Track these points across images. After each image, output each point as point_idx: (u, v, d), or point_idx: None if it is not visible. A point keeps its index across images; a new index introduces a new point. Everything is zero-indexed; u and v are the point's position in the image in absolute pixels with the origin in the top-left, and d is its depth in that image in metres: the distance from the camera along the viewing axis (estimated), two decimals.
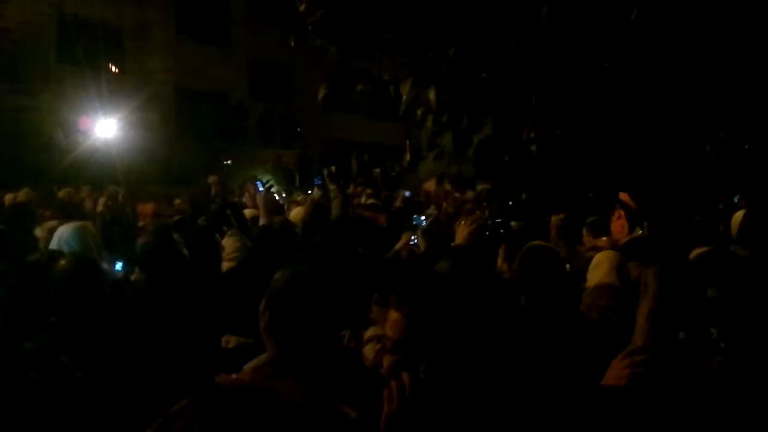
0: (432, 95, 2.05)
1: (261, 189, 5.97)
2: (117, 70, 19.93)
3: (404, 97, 2.19)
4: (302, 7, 2.66)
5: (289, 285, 2.07)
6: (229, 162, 17.34)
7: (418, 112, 2.33)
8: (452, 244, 3.85)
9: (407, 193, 9.59)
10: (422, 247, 4.61)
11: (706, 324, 2.71)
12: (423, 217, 5.37)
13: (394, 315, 1.87)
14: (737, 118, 2.24)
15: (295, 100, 23.29)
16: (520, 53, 1.88)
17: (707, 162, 2.29)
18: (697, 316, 2.74)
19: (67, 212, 7.22)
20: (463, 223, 3.92)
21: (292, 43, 2.70)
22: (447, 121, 2.10)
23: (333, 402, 1.12)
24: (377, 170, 15.98)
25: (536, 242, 3.28)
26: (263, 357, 2.08)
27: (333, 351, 2.17)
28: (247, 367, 2.10)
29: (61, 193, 9.77)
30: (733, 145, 2.30)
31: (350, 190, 11.56)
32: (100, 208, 7.80)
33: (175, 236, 4.15)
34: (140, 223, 6.89)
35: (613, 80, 2.10)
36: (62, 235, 4.41)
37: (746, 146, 2.31)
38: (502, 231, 4.62)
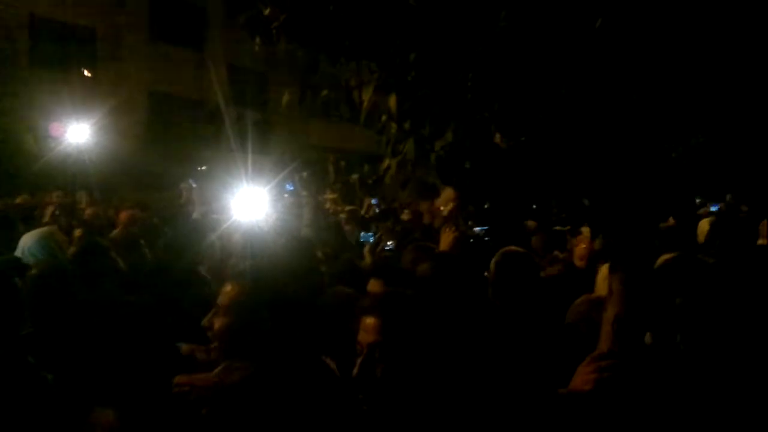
0: (392, 102, 2.04)
1: (194, 185, 6.38)
2: (90, 75, 19.71)
3: (365, 104, 2.18)
4: (267, 11, 2.64)
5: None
6: (203, 168, 17.21)
7: (383, 118, 2.32)
8: (436, 251, 3.89)
9: (374, 201, 9.58)
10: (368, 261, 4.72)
11: (673, 330, 2.72)
12: (370, 234, 5.47)
13: (367, 320, 1.86)
14: (711, 122, 2.24)
15: (270, 107, 23.21)
16: (480, 59, 1.87)
17: (673, 166, 2.29)
18: (664, 322, 2.74)
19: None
20: (447, 230, 3.97)
21: (257, 48, 2.67)
22: (409, 127, 2.08)
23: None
24: (354, 177, 15.96)
25: (510, 248, 3.30)
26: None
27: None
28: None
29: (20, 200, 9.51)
30: (703, 149, 2.31)
31: (328, 196, 11.55)
32: (46, 219, 7.61)
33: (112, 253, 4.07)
34: (114, 232, 6.82)
35: (576, 85, 2.09)
36: (26, 246, 4.29)
37: (719, 152, 2.31)
38: (487, 239, 4.64)
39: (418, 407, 1.81)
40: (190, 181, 6.55)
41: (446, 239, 3.92)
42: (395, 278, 3.35)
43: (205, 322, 2.35)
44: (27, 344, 2.87)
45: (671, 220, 4.53)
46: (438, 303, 2.04)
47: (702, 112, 2.15)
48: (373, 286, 3.25)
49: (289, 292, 2.77)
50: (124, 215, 6.93)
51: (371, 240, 5.51)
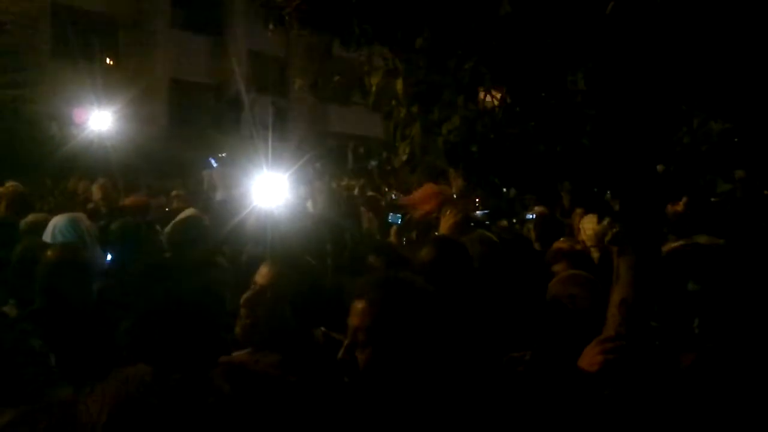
0: (399, 86, 2.06)
1: (215, 165, 6.33)
2: (112, 62, 19.89)
3: (373, 88, 2.20)
4: None
5: None
6: (223, 155, 17.33)
7: (393, 103, 2.34)
8: (435, 234, 3.89)
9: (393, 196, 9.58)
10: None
11: (686, 316, 2.72)
12: (399, 216, 5.47)
13: (357, 303, 1.86)
14: (726, 105, 2.22)
15: (290, 93, 23.25)
16: (488, 43, 1.88)
17: (683, 150, 2.28)
18: (675, 307, 2.75)
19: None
20: (447, 213, 3.94)
21: (270, 34, 2.70)
22: (417, 112, 2.10)
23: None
24: (373, 163, 15.97)
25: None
26: None
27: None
28: None
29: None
30: (718, 135, 2.29)
31: (344, 183, 11.59)
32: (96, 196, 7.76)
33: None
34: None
35: (586, 69, 2.09)
36: (56, 225, 4.48)
37: (735, 138, 2.30)
38: (488, 222, 4.64)
39: (401, 396, 1.81)
40: (211, 160, 6.55)
41: (446, 222, 3.89)
42: (396, 258, 3.38)
43: (242, 300, 2.38)
44: (36, 319, 2.97)
45: (681, 205, 4.50)
46: (436, 289, 2.01)
47: (719, 96, 2.15)
48: (375, 261, 3.28)
49: (320, 273, 2.78)
50: (128, 200, 7.03)
51: (399, 222, 5.53)
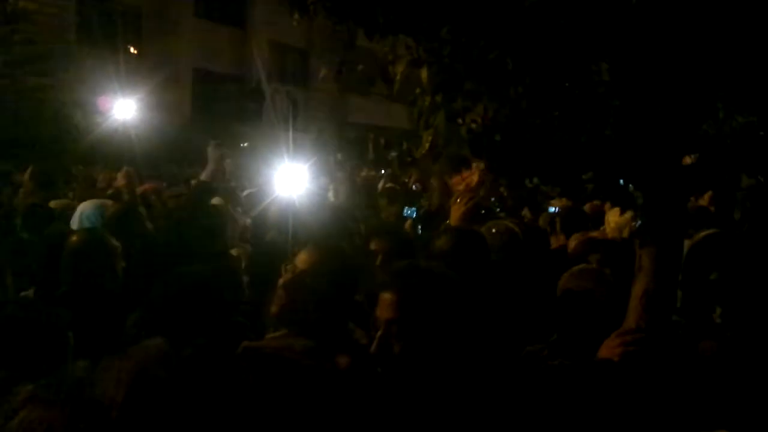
0: (424, 75, 2.07)
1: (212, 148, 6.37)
2: (135, 52, 20.05)
3: (398, 77, 2.21)
4: None
5: None
6: (245, 144, 17.43)
7: (417, 91, 2.34)
8: (447, 222, 3.86)
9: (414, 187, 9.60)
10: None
11: (708, 307, 2.71)
12: (414, 209, 5.47)
13: (386, 295, 1.86)
14: (751, 98, 2.20)
15: (311, 83, 23.31)
16: (512, 33, 1.88)
17: (708, 143, 2.27)
18: (698, 298, 2.74)
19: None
20: (458, 201, 3.89)
21: (295, 23, 2.72)
22: (441, 101, 2.11)
23: None
24: (393, 154, 15.95)
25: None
26: None
27: None
28: None
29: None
30: (742, 128, 2.28)
31: (364, 173, 11.59)
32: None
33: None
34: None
35: (611, 60, 2.08)
36: (83, 212, 4.59)
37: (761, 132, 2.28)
38: (498, 209, 4.62)
39: (436, 385, 1.83)
40: (212, 142, 6.57)
41: (456, 212, 3.84)
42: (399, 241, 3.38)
43: (281, 283, 2.40)
44: (62, 302, 3.03)
45: (706, 199, 4.47)
46: (457, 277, 2.01)
47: (743, 89, 2.13)
48: (376, 244, 3.27)
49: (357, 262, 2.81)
50: (142, 188, 7.08)
51: (414, 216, 5.54)
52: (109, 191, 7.21)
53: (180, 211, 5.16)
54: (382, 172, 11.76)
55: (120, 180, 7.38)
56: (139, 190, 6.37)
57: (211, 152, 6.32)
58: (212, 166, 6.33)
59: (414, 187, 9.46)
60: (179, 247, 3.95)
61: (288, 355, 2.22)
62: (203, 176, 6.46)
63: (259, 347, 2.32)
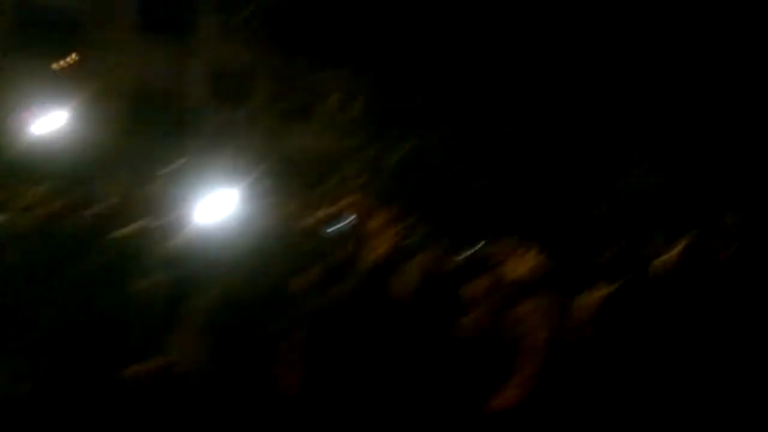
0: (357, 108, 2.13)
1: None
2: (72, 63, 19.57)
3: (333, 109, 2.26)
4: (247, 16, 2.73)
5: None
6: (183, 161, 17.10)
7: (348, 124, 2.40)
8: None
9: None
10: None
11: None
12: None
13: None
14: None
15: (253, 106, 23.15)
16: (436, 81, 1.96)
17: (620, 199, 2.38)
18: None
19: None
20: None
21: (237, 52, 2.77)
22: (371, 136, 2.16)
23: None
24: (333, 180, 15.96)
25: None
26: None
27: None
28: None
29: None
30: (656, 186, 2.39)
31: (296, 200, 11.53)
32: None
33: None
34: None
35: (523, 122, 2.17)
36: None
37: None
38: None
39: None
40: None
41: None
42: None
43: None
44: None
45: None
46: None
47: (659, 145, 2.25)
48: None
49: None
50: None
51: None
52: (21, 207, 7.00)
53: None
54: None
55: (32, 197, 7.18)
56: (57, 206, 6.19)
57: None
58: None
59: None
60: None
61: None
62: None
63: None
